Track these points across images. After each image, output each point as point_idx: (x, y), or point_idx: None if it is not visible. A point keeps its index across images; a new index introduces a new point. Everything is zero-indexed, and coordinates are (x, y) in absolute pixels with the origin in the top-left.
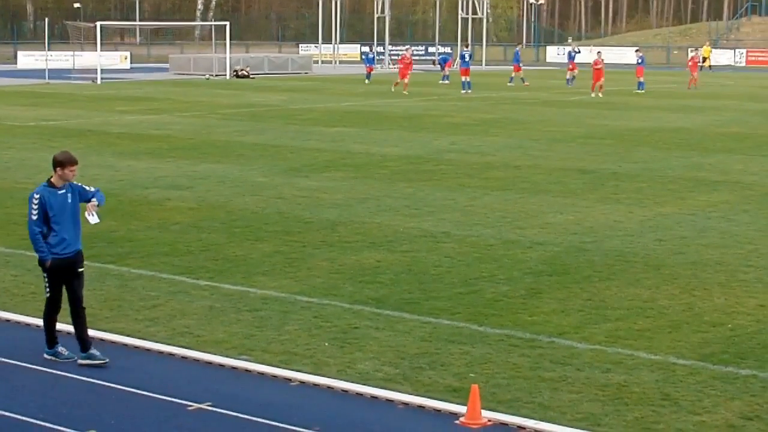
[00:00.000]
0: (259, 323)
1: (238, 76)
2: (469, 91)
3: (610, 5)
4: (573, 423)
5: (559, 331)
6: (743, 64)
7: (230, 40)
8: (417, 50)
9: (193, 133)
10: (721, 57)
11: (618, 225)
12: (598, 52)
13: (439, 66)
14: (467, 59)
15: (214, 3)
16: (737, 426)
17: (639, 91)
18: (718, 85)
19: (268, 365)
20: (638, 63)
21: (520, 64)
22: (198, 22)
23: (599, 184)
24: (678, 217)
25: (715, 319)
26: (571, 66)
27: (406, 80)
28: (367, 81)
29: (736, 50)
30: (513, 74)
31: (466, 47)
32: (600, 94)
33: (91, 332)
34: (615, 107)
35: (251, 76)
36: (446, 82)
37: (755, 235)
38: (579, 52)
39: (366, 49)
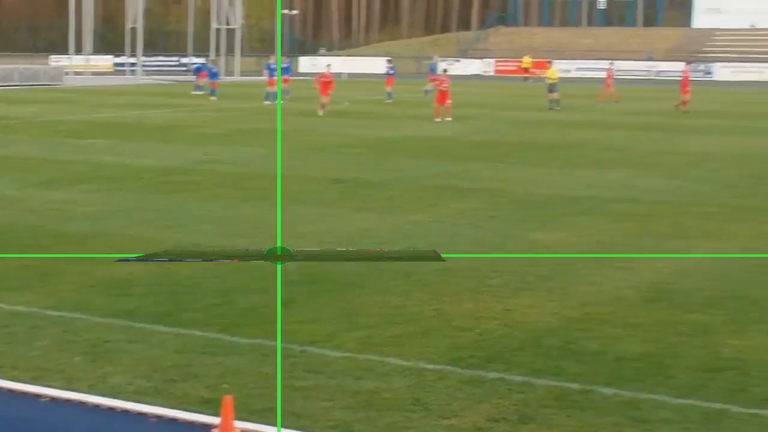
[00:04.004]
0: (8, 339)
1: None
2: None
3: (362, 15)
4: (326, 430)
5: (311, 339)
6: (492, 74)
7: None
8: (170, 61)
9: None
10: (469, 67)
11: (369, 233)
12: (328, 65)
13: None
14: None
15: None
16: (484, 428)
17: (388, 101)
18: (467, 94)
19: (17, 382)
20: (388, 73)
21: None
22: None
23: (352, 193)
24: (429, 225)
25: (464, 324)
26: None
27: (325, 99)
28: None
29: (485, 60)
30: (428, 86)
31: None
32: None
33: None
34: (367, 117)
35: None
36: (199, 93)
37: (503, 240)
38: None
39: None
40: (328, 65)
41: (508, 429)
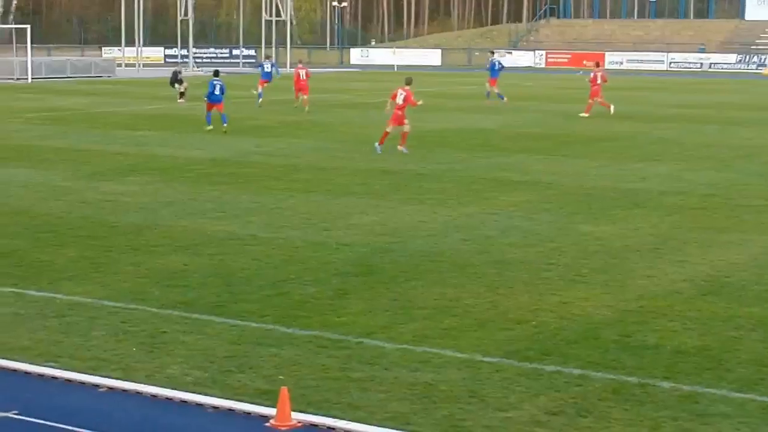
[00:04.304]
0: (66, 329)
1: None
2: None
3: (413, 7)
4: (382, 422)
5: (366, 331)
6: (543, 66)
7: (31, 43)
8: (221, 53)
9: None
10: (521, 59)
11: (423, 225)
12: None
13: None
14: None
15: (14, 6)
16: (542, 421)
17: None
18: (518, 86)
19: (75, 371)
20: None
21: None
22: None
23: (403, 185)
24: (481, 217)
25: (520, 317)
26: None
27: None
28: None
29: (536, 52)
30: (488, 88)
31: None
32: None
33: None
34: (417, 109)
35: None
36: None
37: (556, 233)
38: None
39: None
40: (300, 60)
41: (565, 422)
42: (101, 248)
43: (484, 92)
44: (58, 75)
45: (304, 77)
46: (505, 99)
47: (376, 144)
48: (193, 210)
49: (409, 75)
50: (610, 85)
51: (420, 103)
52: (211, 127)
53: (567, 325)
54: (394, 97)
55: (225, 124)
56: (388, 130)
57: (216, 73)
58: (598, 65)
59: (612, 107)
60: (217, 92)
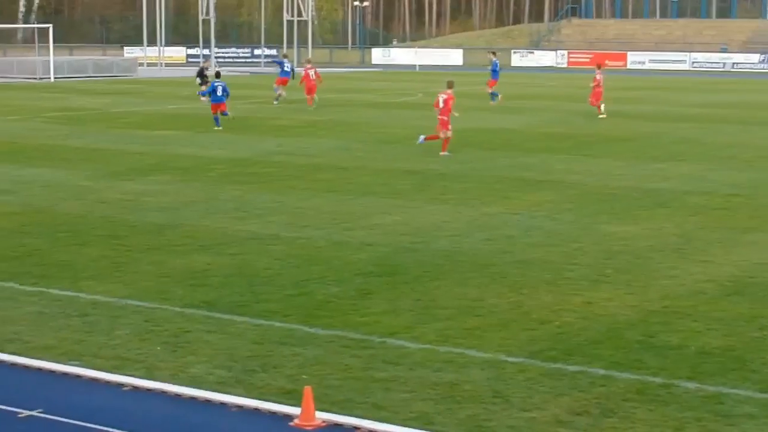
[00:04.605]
0: (89, 328)
1: None
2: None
3: (434, 7)
4: (406, 422)
5: (389, 331)
6: (565, 65)
7: (53, 42)
8: (242, 53)
9: (16, 136)
10: (543, 58)
11: (446, 225)
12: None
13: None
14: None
15: (36, 5)
16: (566, 421)
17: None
18: (540, 86)
19: (99, 370)
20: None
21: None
22: (20, 25)
23: (426, 185)
24: (504, 217)
25: (543, 317)
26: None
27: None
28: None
29: (558, 51)
30: (489, 90)
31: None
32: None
33: None
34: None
35: None
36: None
37: (579, 233)
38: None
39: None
40: (308, 60)
41: (590, 422)
42: (122, 248)
43: (491, 94)
44: (79, 74)
45: (314, 77)
46: (500, 96)
47: (442, 153)
48: (215, 210)
49: (450, 78)
50: (633, 85)
51: (457, 115)
52: (220, 127)
53: (590, 326)
54: (437, 104)
55: (218, 127)
56: (441, 135)
57: (218, 75)
58: (599, 67)
59: (602, 107)
60: (219, 93)
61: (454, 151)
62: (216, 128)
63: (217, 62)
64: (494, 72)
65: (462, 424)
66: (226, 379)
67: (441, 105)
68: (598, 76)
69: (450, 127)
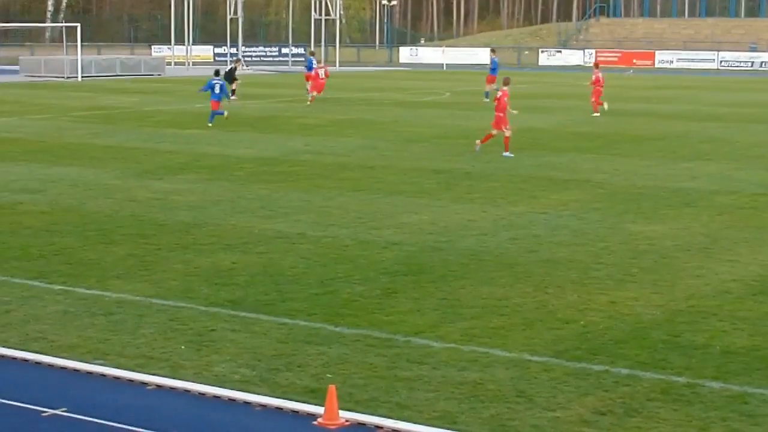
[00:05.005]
0: (114, 327)
1: None
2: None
3: (462, 6)
4: (430, 421)
5: (414, 330)
6: (592, 65)
7: (81, 41)
8: (270, 51)
9: (44, 135)
10: (571, 57)
11: (472, 224)
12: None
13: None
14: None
15: (64, 4)
16: (590, 421)
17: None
18: (568, 85)
19: (123, 369)
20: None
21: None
22: (48, 24)
23: (453, 184)
24: (531, 216)
25: (568, 316)
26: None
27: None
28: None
29: (586, 51)
30: (487, 88)
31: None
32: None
33: None
34: (466, 108)
35: None
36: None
37: (606, 232)
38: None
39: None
40: (318, 60)
41: (614, 422)
42: (150, 246)
43: (492, 93)
44: (107, 73)
45: (323, 76)
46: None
47: (505, 153)
48: (242, 208)
49: (507, 75)
50: (661, 84)
51: (516, 112)
52: (211, 124)
53: (616, 325)
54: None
55: (210, 123)
56: (493, 132)
57: (216, 73)
58: (597, 66)
59: (605, 104)
60: (217, 91)
61: (481, 150)
62: (209, 124)
63: (245, 61)
64: (493, 70)
65: (486, 424)
66: (250, 378)
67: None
68: (593, 76)
69: (509, 125)
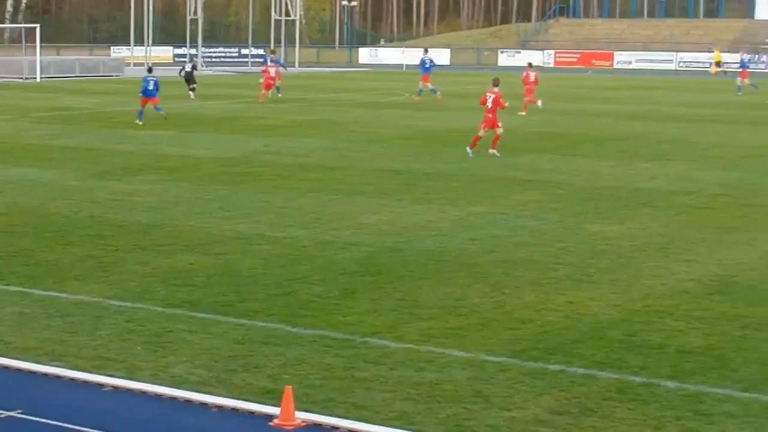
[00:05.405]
0: (71, 328)
1: None
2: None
3: (422, 7)
4: (387, 422)
5: (372, 330)
6: (552, 65)
7: (41, 42)
8: (230, 52)
9: (3, 136)
10: (530, 58)
11: (431, 225)
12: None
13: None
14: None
15: (24, 5)
16: (546, 421)
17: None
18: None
19: (80, 371)
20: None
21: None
22: (7, 25)
23: (413, 184)
24: (490, 217)
25: (526, 316)
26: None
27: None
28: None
29: (545, 51)
30: (422, 86)
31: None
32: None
33: None
34: (425, 108)
35: None
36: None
37: (564, 233)
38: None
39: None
40: (272, 55)
41: (570, 422)
42: (108, 247)
43: (427, 90)
44: (66, 74)
45: (274, 75)
46: (438, 94)
47: (468, 148)
48: (201, 209)
49: (495, 76)
50: (620, 84)
51: (507, 104)
52: (142, 122)
53: (573, 325)
54: (484, 101)
55: (161, 112)
56: (480, 134)
57: (150, 70)
58: (530, 65)
59: (540, 102)
60: (150, 87)
61: (441, 151)
62: (138, 122)
63: (204, 62)
64: (424, 68)
65: (442, 424)
66: (207, 379)
67: (490, 104)
68: (525, 73)
69: (500, 124)
